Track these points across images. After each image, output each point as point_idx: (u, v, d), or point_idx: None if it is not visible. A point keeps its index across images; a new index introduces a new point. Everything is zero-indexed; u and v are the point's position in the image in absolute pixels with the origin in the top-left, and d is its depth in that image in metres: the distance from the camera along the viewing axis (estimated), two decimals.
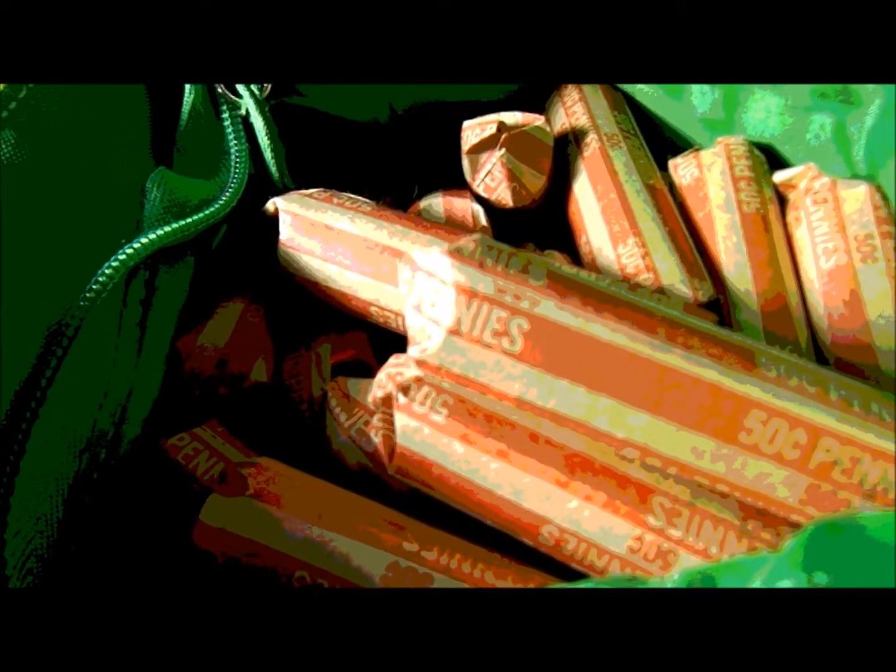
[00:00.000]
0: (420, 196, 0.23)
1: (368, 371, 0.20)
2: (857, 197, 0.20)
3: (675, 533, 0.14)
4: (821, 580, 0.10)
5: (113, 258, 0.17)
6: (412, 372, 0.15)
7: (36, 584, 0.15)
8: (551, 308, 0.13)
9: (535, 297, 0.13)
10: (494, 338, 0.13)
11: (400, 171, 0.24)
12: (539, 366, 0.13)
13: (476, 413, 0.15)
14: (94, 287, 0.16)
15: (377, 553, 0.14)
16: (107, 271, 0.17)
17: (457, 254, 0.14)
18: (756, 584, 0.11)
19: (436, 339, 0.14)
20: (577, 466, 0.14)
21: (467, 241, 0.14)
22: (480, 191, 0.23)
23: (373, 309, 0.19)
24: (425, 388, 0.15)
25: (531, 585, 0.14)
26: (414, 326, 0.14)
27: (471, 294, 0.13)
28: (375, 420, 0.17)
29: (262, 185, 0.22)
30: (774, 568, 0.11)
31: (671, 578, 0.12)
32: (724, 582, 0.11)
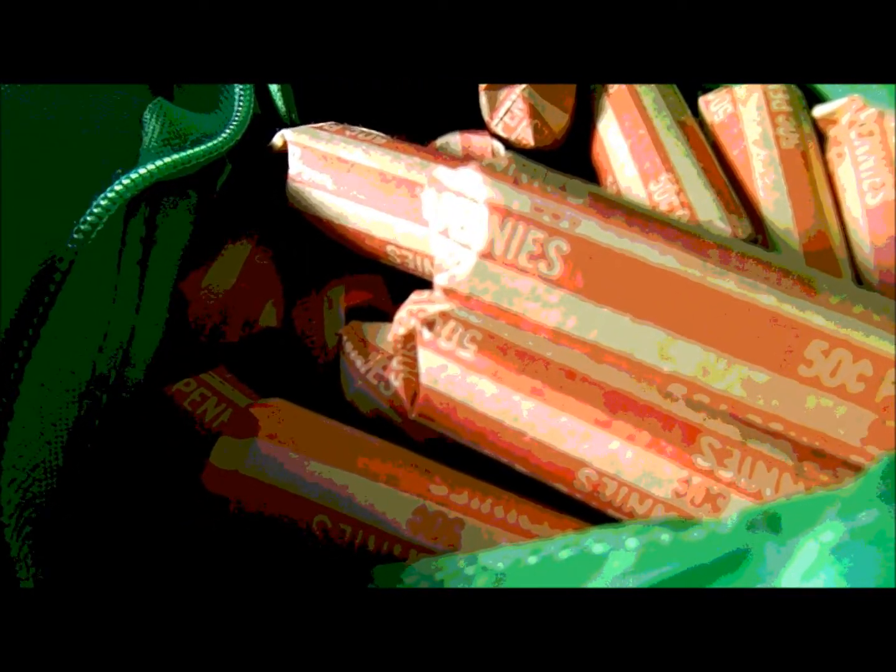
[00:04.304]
0: (435, 137, 0.22)
1: (384, 318, 0.19)
2: None
3: (726, 474, 0.13)
4: None
5: (109, 189, 0.16)
6: (436, 307, 0.14)
7: (35, 533, 0.14)
8: (594, 228, 0.12)
9: (575, 217, 0.12)
10: (531, 261, 0.12)
11: (415, 111, 0.23)
12: (579, 292, 0.12)
13: (507, 349, 0.14)
14: (88, 219, 0.15)
15: (403, 496, 0.13)
16: (102, 202, 0.15)
17: (489, 169, 0.12)
18: (828, 520, 0.10)
19: (466, 263, 0.12)
20: (618, 405, 0.13)
21: (500, 158, 0.13)
22: (499, 130, 0.21)
23: (389, 248, 0.18)
24: (452, 323, 0.14)
25: (569, 531, 0.13)
26: (441, 254, 0.13)
27: (505, 213, 0.12)
28: (395, 363, 0.16)
29: (268, 125, 0.21)
30: (849, 501, 0.10)
31: (730, 519, 0.11)
32: (790, 519, 0.10)
